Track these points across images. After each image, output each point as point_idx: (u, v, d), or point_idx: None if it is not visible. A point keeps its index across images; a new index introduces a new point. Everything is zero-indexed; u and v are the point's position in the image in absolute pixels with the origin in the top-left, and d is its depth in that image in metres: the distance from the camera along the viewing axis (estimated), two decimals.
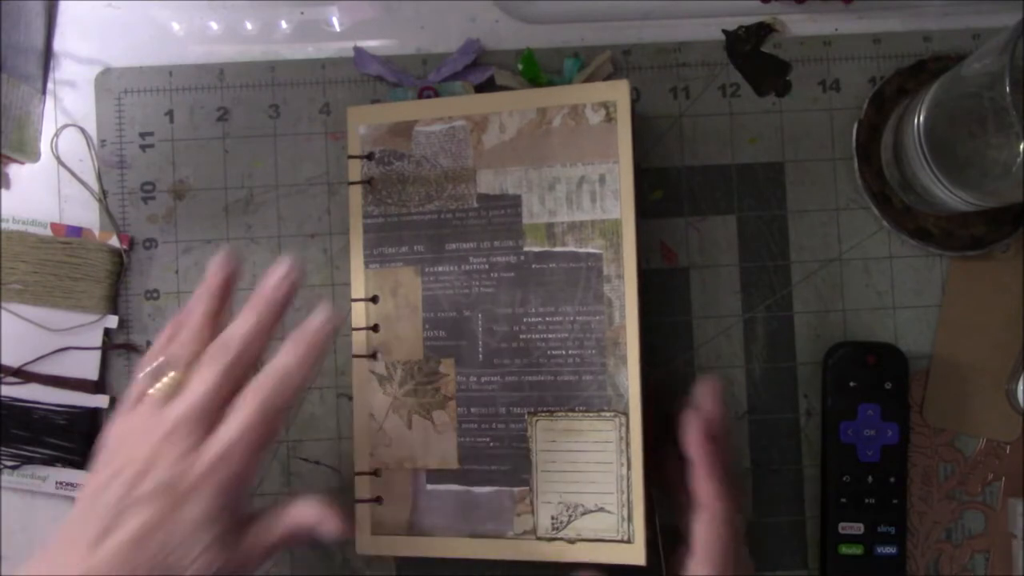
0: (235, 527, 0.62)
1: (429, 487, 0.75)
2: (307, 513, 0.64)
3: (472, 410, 0.75)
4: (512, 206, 0.75)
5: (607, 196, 0.74)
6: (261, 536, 0.63)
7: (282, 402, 0.63)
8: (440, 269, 0.76)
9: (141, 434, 0.62)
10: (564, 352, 0.74)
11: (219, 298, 0.67)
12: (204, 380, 0.62)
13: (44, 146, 0.81)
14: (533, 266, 0.75)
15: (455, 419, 0.75)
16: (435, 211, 0.76)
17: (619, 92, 0.74)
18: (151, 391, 0.63)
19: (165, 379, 0.63)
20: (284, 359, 0.63)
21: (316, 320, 0.64)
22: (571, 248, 0.74)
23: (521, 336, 0.74)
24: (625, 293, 0.73)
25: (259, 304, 0.65)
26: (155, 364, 0.64)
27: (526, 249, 0.75)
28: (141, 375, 0.64)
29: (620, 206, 0.73)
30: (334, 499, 0.65)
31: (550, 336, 0.74)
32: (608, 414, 0.73)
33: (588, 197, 0.74)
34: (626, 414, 0.73)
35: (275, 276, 0.65)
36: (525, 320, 0.74)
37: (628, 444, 0.72)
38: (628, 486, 0.72)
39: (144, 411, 0.63)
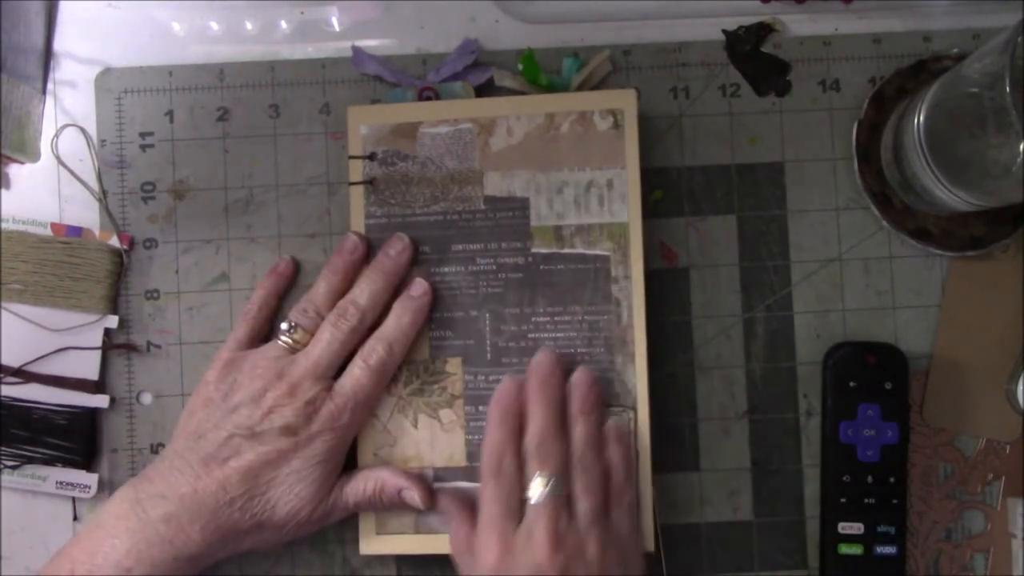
0: (333, 475, 0.73)
1: (436, 485, 0.75)
2: (395, 479, 0.73)
3: (480, 408, 0.75)
4: (520, 208, 0.75)
5: (615, 200, 0.74)
6: (349, 491, 0.73)
7: (390, 364, 0.73)
8: (446, 270, 0.76)
9: (267, 375, 0.72)
10: (573, 350, 0.74)
11: (341, 275, 0.75)
12: (322, 341, 0.72)
13: (44, 146, 0.80)
14: (541, 267, 0.75)
15: (463, 417, 0.75)
16: (441, 212, 0.76)
17: (627, 101, 0.75)
18: (281, 340, 0.74)
19: (294, 334, 0.73)
20: (392, 326, 0.73)
21: (418, 289, 0.74)
22: (579, 250, 0.74)
23: (529, 335, 0.75)
24: (633, 293, 0.74)
25: (375, 275, 0.74)
26: (288, 323, 0.74)
27: (534, 251, 0.75)
28: (283, 325, 0.75)
29: (628, 210, 0.74)
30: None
31: (559, 335, 0.74)
32: (616, 409, 0.73)
33: (596, 201, 0.74)
34: (634, 409, 0.73)
35: (393, 249, 0.75)
36: (533, 319, 0.75)
37: (636, 438, 0.73)
38: (636, 479, 0.72)
39: (271, 353, 0.73)
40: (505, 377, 0.73)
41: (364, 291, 0.74)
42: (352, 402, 0.72)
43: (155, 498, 0.69)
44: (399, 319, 0.73)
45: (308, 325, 0.74)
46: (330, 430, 0.71)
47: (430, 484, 0.74)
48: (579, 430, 0.70)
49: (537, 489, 0.68)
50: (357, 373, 0.72)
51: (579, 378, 0.72)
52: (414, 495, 0.72)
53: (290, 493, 0.70)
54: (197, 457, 0.70)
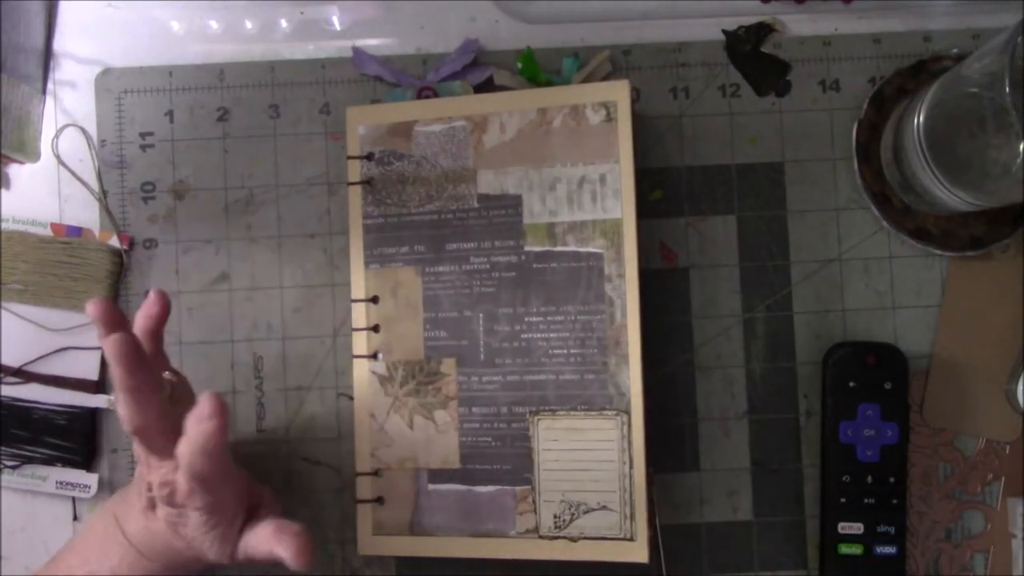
0: (231, 530, 0.68)
1: (431, 487, 0.75)
2: (268, 545, 0.66)
3: (474, 410, 0.75)
4: (513, 206, 0.75)
5: (608, 196, 0.74)
6: (252, 547, 0.68)
7: (200, 478, 0.62)
8: (441, 269, 0.76)
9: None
10: (565, 351, 0.74)
11: (112, 357, 0.63)
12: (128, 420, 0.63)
13: (44, 146, 0.81)
14: (534, 266, 0.75)
15: (457, 419, 0.75)
16: (435, 211, 0.76)
17: (619, 92, 0.74)
18: None
19: None
20: (183, 452, 0.62)
21: (205, 409, 0.61)
22: (572, 248, 0.74)
23: (522, 336, 0.75)
24: (626, 292, 0.73)
25: (116, 370, 0.62)
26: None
27: (527, 249, 0.75)
28: None
29: (621, 206, 0.73)
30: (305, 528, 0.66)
31: (551, 335, 0.74)
32: (610, 412, 0.73)
33: (589, 197, 0.74)
34: (628, 413, 0.73)
35: (144, 309, 0.67)
36: (526, 319, 0.75)
37: (630, 443, 0.72)
38: (630, 484, 0.72)
39: None
40: None
41: (118, 393, 0.63)
42: (195, 487, 0.63)
43: (126, 519, 0.70)
44: (190, 443, 0.61)
45: None
46: (193, 503, 0.64)
47: (305, 538, 0.66)
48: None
49: None
50: (179, 479, 0.64)
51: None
52: (284, 556, 0.65)
53: (203, 547, 0.67)
54: (135, 504, 0.68)
